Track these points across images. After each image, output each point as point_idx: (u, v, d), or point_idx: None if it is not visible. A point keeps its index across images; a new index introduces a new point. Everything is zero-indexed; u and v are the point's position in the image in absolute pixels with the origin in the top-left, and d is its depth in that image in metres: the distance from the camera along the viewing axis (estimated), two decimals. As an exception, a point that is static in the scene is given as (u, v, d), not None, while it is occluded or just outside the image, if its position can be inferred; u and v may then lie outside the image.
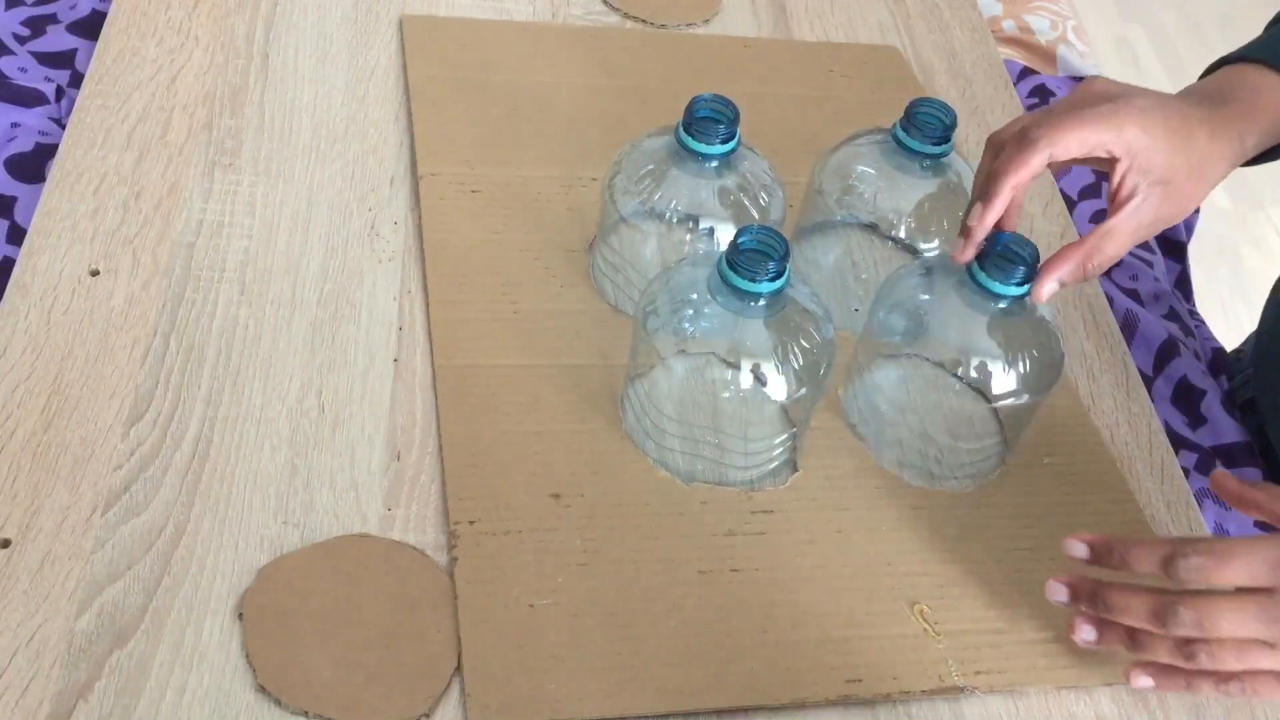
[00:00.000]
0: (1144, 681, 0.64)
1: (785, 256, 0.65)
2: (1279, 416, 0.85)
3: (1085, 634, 0.65)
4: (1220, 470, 0.67)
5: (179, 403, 0.70)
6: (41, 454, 0.66)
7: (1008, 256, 0.68)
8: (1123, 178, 0.69)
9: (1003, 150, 0.69)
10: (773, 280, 0.65)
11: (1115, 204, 0.69)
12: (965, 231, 0.69)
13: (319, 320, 0.76)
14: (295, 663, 0.60)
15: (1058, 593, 0.65)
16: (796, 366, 0.68)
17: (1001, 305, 0.70)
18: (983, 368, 0.71)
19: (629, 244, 0.79)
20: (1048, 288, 0.69)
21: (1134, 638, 0.63)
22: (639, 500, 0.70)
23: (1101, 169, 0.71)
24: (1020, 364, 0.70)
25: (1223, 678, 0.63)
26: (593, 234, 0.83)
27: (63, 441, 0.67)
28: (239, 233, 0.80)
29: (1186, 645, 0.62)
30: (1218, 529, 0.79)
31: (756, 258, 0.65)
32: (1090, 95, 0.70)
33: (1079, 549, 0.65)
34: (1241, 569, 0.60)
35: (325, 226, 0.81)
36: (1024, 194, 0.70)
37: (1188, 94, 0.73)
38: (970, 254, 0.69)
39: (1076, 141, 0.68)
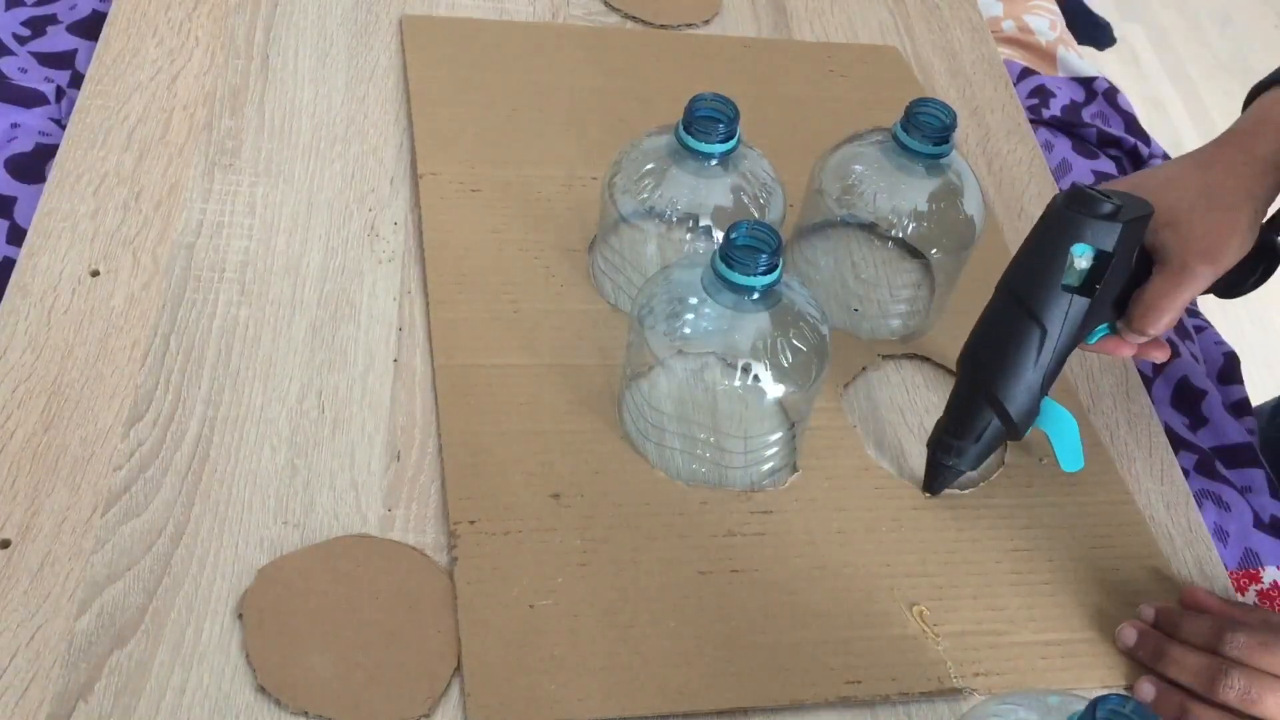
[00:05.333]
0: (1146, 689, 0.66)
1: (778, 250, 0.66)
2: None
3: (1144, 693, 0.66)
4: (1192, 588, 0.71)
5: (179, 403, 0.70)
6: (41, 454, 0.66)
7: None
8: None
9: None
10: (766, 274, 0.66)
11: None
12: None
13: (319, 321, 0.76)
14: (295, 663, 0.60)
15: (1128, 637, 0.68)
16: (792, 360, 0.68)
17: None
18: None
19: (629, 243, 0.79)
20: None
21: (1197, 714, 0.64)
22: (639, 500, 0.70)
23: None
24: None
25: None
26: (593, 234, 0.83)
27: (63, 442, 0.67)
28: (239, 233, 0.80)
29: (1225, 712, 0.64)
30: (1218, 531, 0.79)
31: (749, 252, 0.65)
32: None
33: (1129, 636, 0.68)
34: None
35: (325, 227, 0.81)
36: None
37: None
38: None
39: None
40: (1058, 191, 0.97)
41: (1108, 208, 0.66)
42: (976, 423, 0.70)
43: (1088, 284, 0.67)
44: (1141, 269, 0.69)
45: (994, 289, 0.70)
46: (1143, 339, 0.71)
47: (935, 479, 0.73)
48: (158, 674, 0.59)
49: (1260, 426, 0.93)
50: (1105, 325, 0.71)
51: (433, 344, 0.75)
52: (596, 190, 0.81)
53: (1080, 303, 0.67)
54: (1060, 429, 0.71)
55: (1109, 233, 0.66)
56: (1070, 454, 0.72)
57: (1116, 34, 1.50)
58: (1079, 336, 0.69)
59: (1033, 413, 0.69)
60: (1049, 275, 0.67)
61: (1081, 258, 0.66)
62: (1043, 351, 0.67)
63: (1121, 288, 0.69)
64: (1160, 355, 0.73)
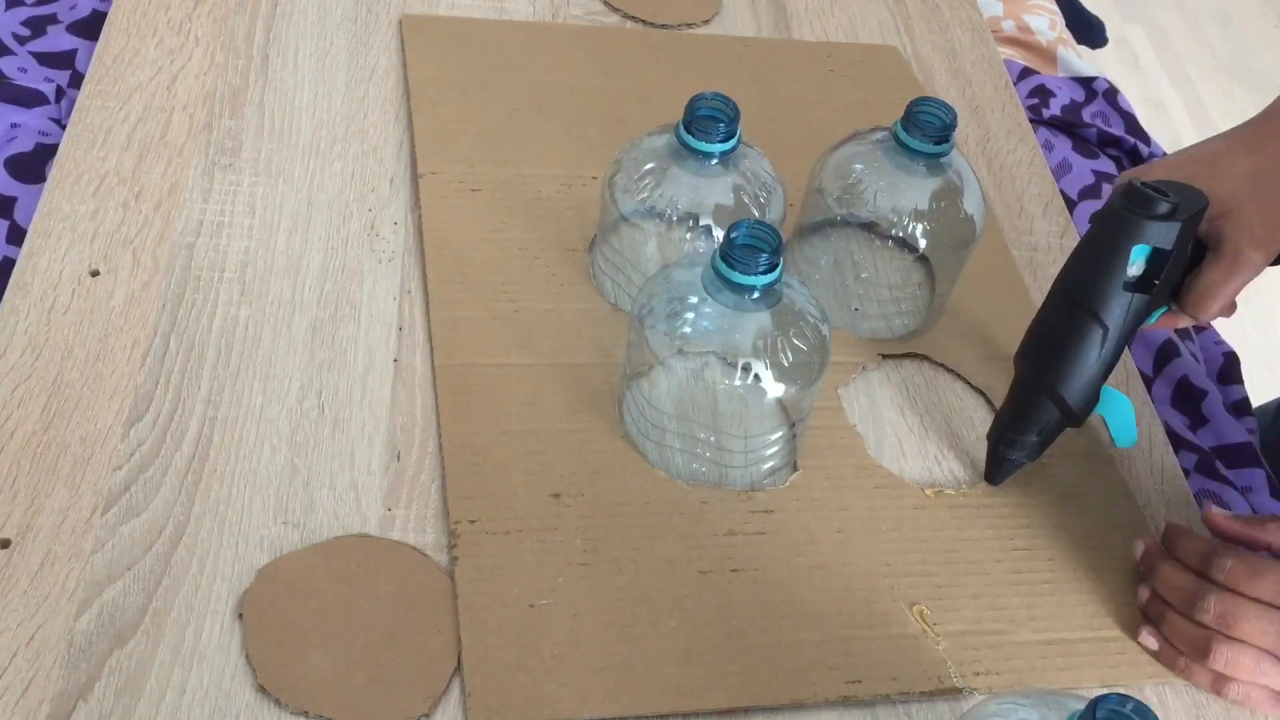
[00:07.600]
0: (1149, 641, 0.67)
1: (778, 249, 0.66)
2: None
3: (1147, 641, 0.68)
4: (1211, 509, 0.71)
5: (179, 403, 0.70)
6: (41, 454, 0.66)
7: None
8: None
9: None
10: (766, 273, 0.66)
11: None
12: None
13: (319, 320, 0.76)
14: (295, 663, 0.60)
15: (1138, 549, 0.71)
16: (792, 360, 0.68)
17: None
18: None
19: (629, 243, 0.79)
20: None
21: (1170, 624, 0.67)
22: (639, 500, 0.70)
23: None
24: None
25: (1222, 679, 0.65)
26: (593, 233, 0.83)
27: (63, 441, 0.67)
28: (239, 233, 0.80)
29: (1208, 643, 0.64)
30: (1217, 529, 0.79)
31: (749, 251, 0.65)
32: None
33: (1139, 548, 0.71)
34: (1269, 585, 0.63)
35: (325, 226, 0.81)
36: None
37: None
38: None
39: None
40: (1057, 190, 0.97)
41: (1165, 207, 0.66)
42: (1038, 417, 0.71)
43: (1146, 280, 0.68)
44: (1195, 254, 0.70)
45: (1050, 288, 0.70)
46: (1197, 323, 0.72)
47: (997, 471, 0.74)
48: (158, 674, 0.59)
49: (1263, 426, 0.93)
50: (1163, 307, 0.72)
51: (433, 344, 0.75)
52: (596, 190, 0.81)
53: (1140, 298, 0.68)
54: (1115, 409, 0.73)
55: (1168, 231, 0.66)
56: (1125, 431, 0.73)
57: (1117, 34, 1.50)
58: (1137, 327, 0.70)
59: (1093, 402, 0.71)
60: (1110, 277, 0.67)
61: (1140, 257, 0.67)
62: (1104, 348, 0.69)
63: (1177, 276, 0.70)
64: (1227, 314, 0.74)
